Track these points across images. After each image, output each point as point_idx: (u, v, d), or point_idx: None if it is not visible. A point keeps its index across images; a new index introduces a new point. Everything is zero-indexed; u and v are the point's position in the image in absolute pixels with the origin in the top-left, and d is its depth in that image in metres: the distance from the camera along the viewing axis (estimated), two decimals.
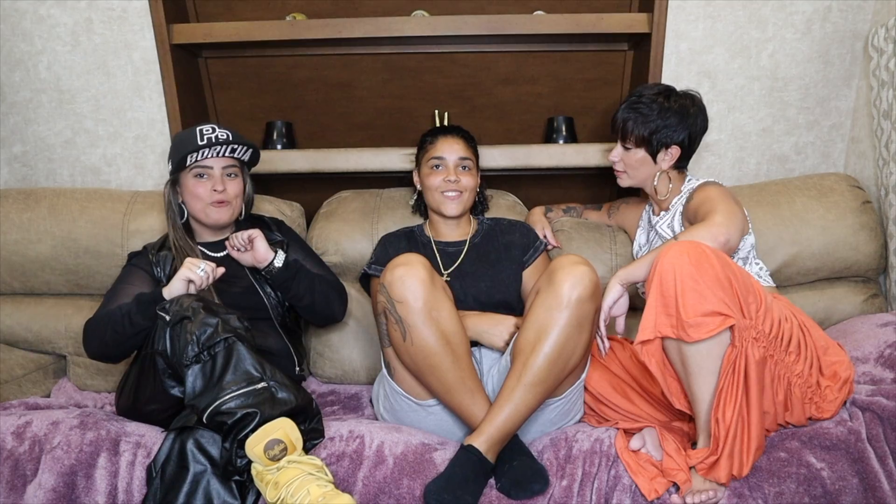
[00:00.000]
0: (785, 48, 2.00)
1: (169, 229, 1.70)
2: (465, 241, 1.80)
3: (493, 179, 2.13)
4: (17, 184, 2.18)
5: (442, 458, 1.39)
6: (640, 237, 1.82)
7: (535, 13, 1.99)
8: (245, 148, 1.66)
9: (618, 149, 1.68)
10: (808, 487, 1.29)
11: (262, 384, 1.32)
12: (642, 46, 2.01)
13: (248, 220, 1.79)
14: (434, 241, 1.80)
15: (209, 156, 1.62)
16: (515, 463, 1.34)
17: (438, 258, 1.77)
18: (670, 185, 1.68)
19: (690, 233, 1.42)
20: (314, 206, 2.09)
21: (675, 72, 2.01)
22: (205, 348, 1.32)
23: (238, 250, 1.66)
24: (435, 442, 1.44)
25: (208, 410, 1.29)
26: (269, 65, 2.10)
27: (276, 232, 1.79)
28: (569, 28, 1.92)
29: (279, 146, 2.12)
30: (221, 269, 1.52)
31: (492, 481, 1.35)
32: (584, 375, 1.51)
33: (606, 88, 2.13)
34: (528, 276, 1.74)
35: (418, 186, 1.84)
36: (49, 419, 1.46)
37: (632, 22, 1.94)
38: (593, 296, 1.38)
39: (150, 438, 1.42)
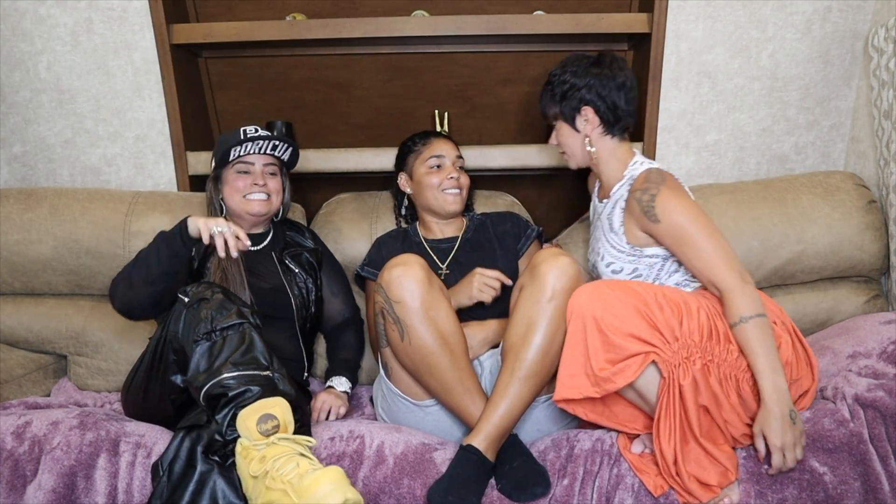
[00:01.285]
0: (785, 48, 2.00)
1: None
2: (458, 237, 1.82)
3: (493, 179, 2.13)
4: (17, 184, 2.18)
5: (442, 457, 1.39)
6: (591, 213, 1.75)
7: (535, 13, 1.99)
8: (285, 146, 1.71)
9: (553, 132, 1.65)
10: (811, 492, 1.29)
11: (267, 373, 1.33)
12: (642, 46, 2.01)
13: (283, 222, 1.85)
14: (426, 240, 1.82)
15: (251, 151, 1.67)
16: (516, 464, 1.34)
17: (433, 255, 1.78)
18: (611, 159, 1.58)
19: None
20: (314, 207, 2.09)
21: (675, 72, 2.01)
22: (217, 328, 1.34)
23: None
24: (435, 442, 1.45)
25: (209, 384, 1.29)
26: (269, 65, 2.10)
27: (308, 238, 1.86)
28: (569, 28, 1.92)
29: None
30: (245, 243, 1.52)
31: (493, 481, 1.35)
32: None
33: None
34: (523, 264, 1.76)
35: (408, 190, 1.85)
36: (49, 419, 1.46)
37: (632, 22, 1.94)
38: (577, 285, 1.39)
39: (149, 438, 1.42)
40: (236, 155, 1.67)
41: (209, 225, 1.49)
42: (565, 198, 2.23)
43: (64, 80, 2.05)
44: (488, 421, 1.35)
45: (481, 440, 1.34)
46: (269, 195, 1.71)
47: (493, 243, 1.78)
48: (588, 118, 1.56)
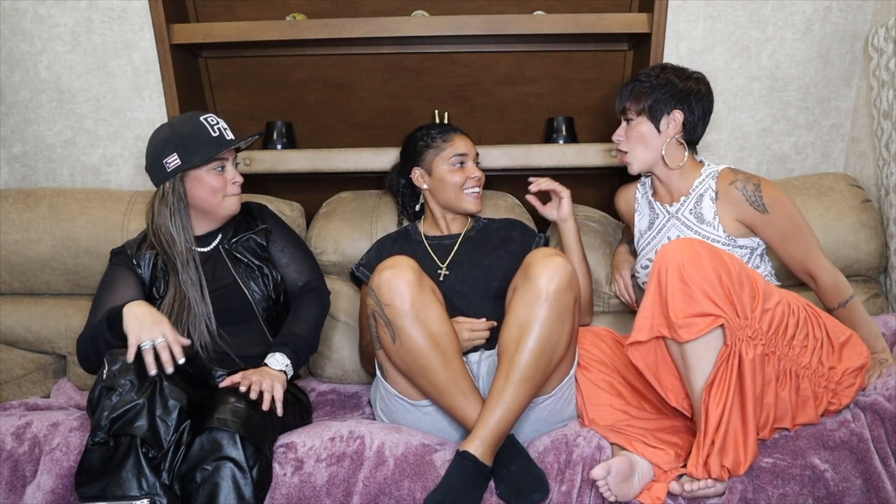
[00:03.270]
0: (785, 48, 2.00)
1: (170, 231, 1.58)
2: (461, 234, 1.80)
3: (493, 179, 2.12)
4: (17, 184, 2.18)
5: (442, 459, 1.39)
6: (641, 222, 1.75)
7: (535, 13, 1.99)
8: (252, 138, 1.66)
9: (621, 127, 1.63)
10: (812, 489, 1.29)
11: (139, 502, 1.26)
12: (642, 46, 2.01)
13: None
14: (427, 237, 1.80)
15: (229, 148, 1.59)
16: (514, 468, 1.33)
17: (432, 253, 1.76)
18: (683, 162, 1.62)
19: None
20: (314, 206, 2.09)
21: None
22: (112, 435, 1.27)
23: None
24: (435, 443, 1.44)
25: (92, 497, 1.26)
26: (269, 65, 2.10)
27: (258, 221, 1.74)
28: (569, 28, 1.92)
29: (279, 146, 2.12)
30: (179, 359, 1.37)
31: (492, 485, 1.34)
32: (572, 371, 1.51)
33: (606, 88, 2.13)
34: None
35: (423, 186, 1.79)
36: (49, 420, 1.46)
37: (632, 22, 1.94)
38: (570, 285, 1.38)
39: None
40: (214, 155, 1.56)
41: (140, 339, 1.34)
42: None
43: (64, 80, 2.05)
44: (485, 426, 1.34)
45: (477, 446, 1.32)
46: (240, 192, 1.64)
47: (496, 243, 1.77)
48: (675, 122, 1.58)
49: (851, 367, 1.42)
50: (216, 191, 1.60)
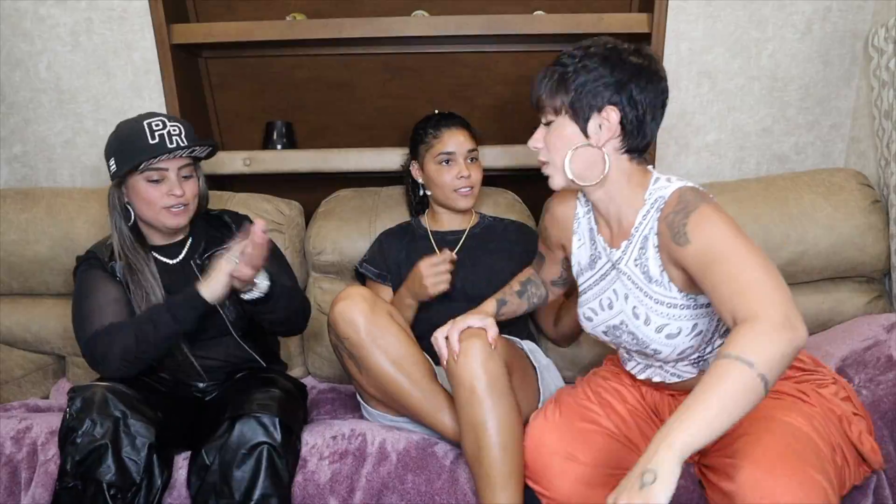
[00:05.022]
0: (785, 48, 2.00)
1: (118, 236, 1.50)
2: (465, 230, 1.78)
3: (493, 179, 2.12)
4: (17, 184, 2.18)
5: (443, 450, 1.39)
6: (580, 253, 1.32)
7: (535, 13, 1.99)
8: (204, 148, 1.49)
9: (539, 130, 1.21)
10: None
11: None
12: (642, 46, 2.01)
13: (203, 218, 1.61)
14: (432, 232, 1.79)
15: (166, 160, 1.43)
16: None
17: (436, 248, 1.75)
18: (625, 182, 1.18)
19: (751, 350, 0.91)
20: (314, 206, 2.09)
21: (676, 72, 2.01)
22: (75, 478, 1.27)
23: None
24: (436, 436, 1.45)
25: None
26: (269, 65, 2.10)
27: (234, 231, 1.58)
28: (569, 28, 1.91)
29: (279, 146, 2.12)
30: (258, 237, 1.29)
31: None
32: None
33: None
34: None
35: (420, 180, 1.80)
36: (48, 426, 1.46)
37: (632, 22, 1.94)
38: (490, 358, 1.26)
39: None
40: (147, 165, 1.42)
41: (224, 276, 1.33)
42: None
43: (64, 80, 2.05)
44: None
45: None
46: (186, 205, 1.48)
47: (499, 248, 1.74)
48: (607, 123, 1.14)
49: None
50: (149, 202, 1.45)
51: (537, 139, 1.21)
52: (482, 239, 1.77)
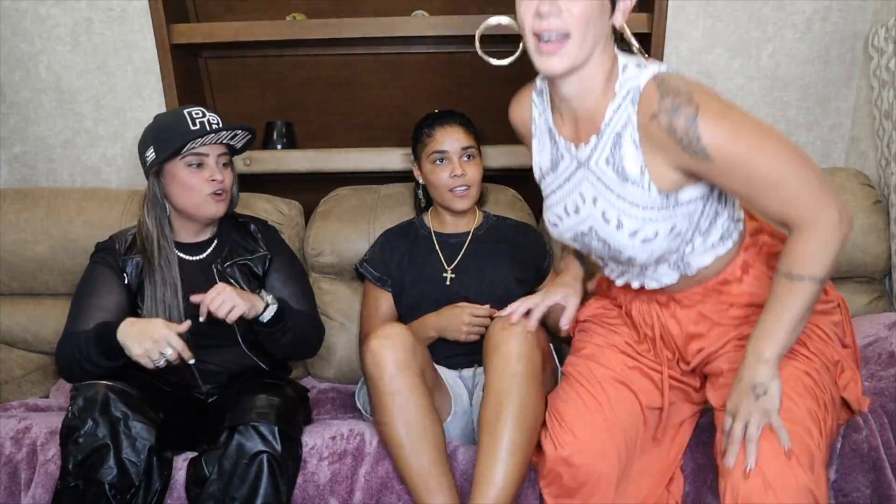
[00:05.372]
0: (785, 48, 2.00)
1: (149, 228, 1.49)
2: (469, 232, 1.74)
3: (493, 179, 2.12)
4: (17, 184, 2.18)
5: None
6: (541, 156, 1.22)
7: None
8: (245, 133, 1.51)
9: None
10: None
11: None
12: (642, 46, 2.01)
13: (231, 221, 1.62)
14: (435, 233, 1.75)
15: (209, 142, 1.46)
16: None
17: (439, 250, 1.73)
18: (594, 64, 1.07)
19: (810, 261, 1.01)
20: (314, 206, 2.08)
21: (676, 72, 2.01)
22: (77, 477, 1.27)
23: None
24: None
25: None
26: (269, 65, 2.10)
27: (260, 240, 1.61)
28: None
29: (279, 146, 2.12)
30: (187, 354, 1.33)
31: None
32: None
33: None
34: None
35: (420, 179, 1.77)
36: (48, 426, 1.46)
37: (632, 22, 1.90)
38: (535, 347, 1.30)
39: None
40: (192, 148, 1.44)
41: (152, 358, 1.30)
42: None
43: (64, 80, 2.05)
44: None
45: None
46: (224, 192, 1.49)
47: (505, 250, 1.70)
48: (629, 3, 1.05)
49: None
50: (190, 189, 1.46)
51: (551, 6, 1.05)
52: (487, 241, 1.72)
